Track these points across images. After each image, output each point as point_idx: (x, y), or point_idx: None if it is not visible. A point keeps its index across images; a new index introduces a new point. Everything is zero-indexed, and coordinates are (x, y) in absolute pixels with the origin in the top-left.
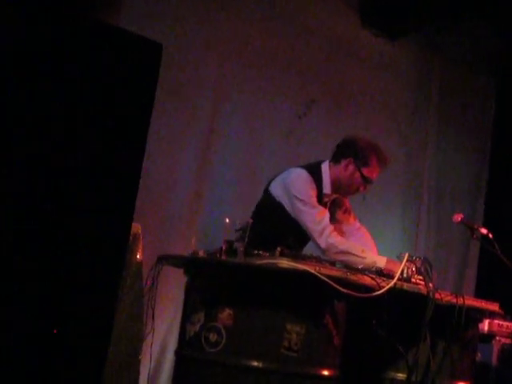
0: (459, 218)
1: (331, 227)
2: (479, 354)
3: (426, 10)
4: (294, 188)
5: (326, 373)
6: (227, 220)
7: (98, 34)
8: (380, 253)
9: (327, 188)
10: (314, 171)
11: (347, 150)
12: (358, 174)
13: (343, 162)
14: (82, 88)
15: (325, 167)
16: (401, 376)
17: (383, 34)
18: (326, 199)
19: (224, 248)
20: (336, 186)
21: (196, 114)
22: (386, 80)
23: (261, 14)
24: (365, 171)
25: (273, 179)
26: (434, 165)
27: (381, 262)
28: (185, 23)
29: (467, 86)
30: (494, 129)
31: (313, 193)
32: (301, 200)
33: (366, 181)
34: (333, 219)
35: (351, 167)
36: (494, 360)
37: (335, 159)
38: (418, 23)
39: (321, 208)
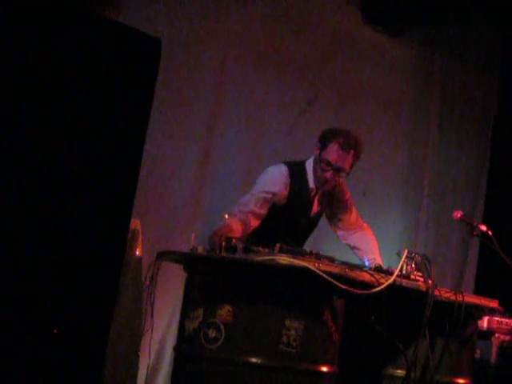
0: (459, 215)
1: (244, 211)
2: (478, 351)
3: (427, 7)
4: (262, 177)
5: (324, 369)
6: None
7: (98, 29)
8: (380, 249)
9: (311, 182)
10: (297, 167)
11: (318, 139)
12: (318, 159)
13: (315, 149)
14: (81, 83)
15: (309, 162)
16: (400, 372)
17: (385, 31)
18: (312, 193)
19: (223, 244)
20: (315, 177)
21: (197, 111)
22: (388, 76)
23: (262, 10)
24: (323, 154)
25: None
26: (434, 161)
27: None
28: (186, 19)
29: (468, 83)
30: (494, 126)
31: (278, 188)
32: (258, 186)
33: (322, 162)
34: (333, 218)
35: (316, 152)
36: (493, 357)
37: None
38: (419, 20)
39: (258, 204)
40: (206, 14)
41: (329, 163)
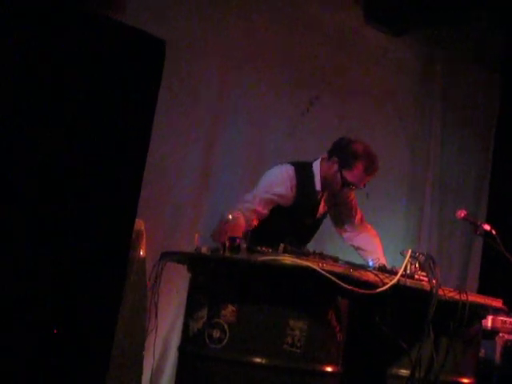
0: (462, 214)
1: (249, 209)
2: (483, 351)
3: (429, 7)
4: (267, 177)
5: (329, 369)
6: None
7: (102, 29)
8: (384, 249)
9: (318, 185)
10: (304, 168)
11: (337, 150)
12: (339, 175)
13: (331, 160)
14: (85, 83)
15: (316, 165)
16: (404, 372)
17: (387, 30)
18: (318, 196)
19: (227, 244)
20: (324, 182)
21: (200, 112)
22: (390, 76)
23: (264, 10)
24: (345, 173)
25: None
26: (437, 161)
27: None
28: (189, 20)
29: (471, 82)
30: (497, 124)
31: (284, 189)
32: (264, 187)
33: (345, 183)
34: (338, 220)
35: (335, 167)
36: (498, 356)
37: (328, 156)
38: (421, 19)
39: (262, 204)
40: (210, 14)
41: (351, 184)
